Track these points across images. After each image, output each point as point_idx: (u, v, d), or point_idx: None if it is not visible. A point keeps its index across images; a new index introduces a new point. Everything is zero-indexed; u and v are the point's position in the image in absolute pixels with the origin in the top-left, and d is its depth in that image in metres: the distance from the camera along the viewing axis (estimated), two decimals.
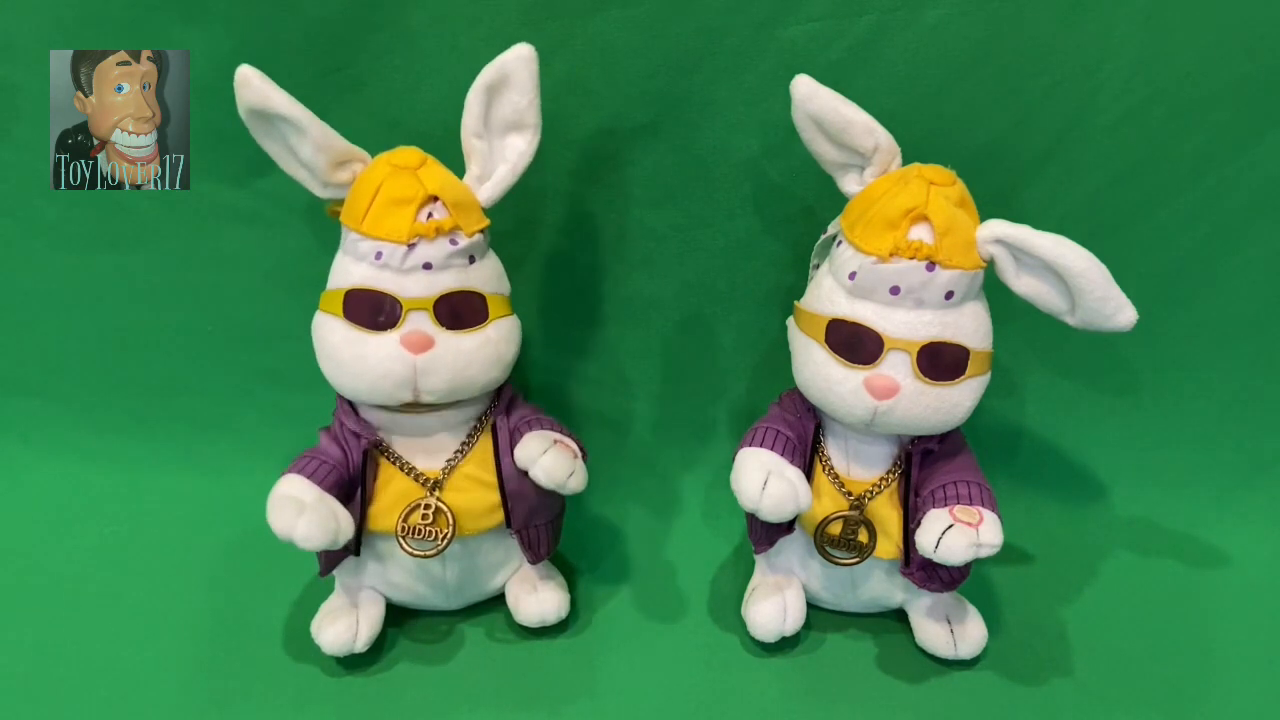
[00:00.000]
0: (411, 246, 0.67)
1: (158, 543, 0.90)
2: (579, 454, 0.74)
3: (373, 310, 0.67)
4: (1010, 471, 0.96)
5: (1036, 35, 0.79)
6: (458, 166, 0.72)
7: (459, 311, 0.69)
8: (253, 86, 0.65)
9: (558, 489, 0.71)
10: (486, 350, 0.70)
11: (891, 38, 0.79)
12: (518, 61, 0.68)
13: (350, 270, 0.69)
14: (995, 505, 0.70)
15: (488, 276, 0.71)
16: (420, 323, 0.67)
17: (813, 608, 0.81)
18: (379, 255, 0.67)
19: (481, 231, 0.71)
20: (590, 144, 0.85)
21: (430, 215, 0.68)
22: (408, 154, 0.69)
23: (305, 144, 0.67)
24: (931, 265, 0.65)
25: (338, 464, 0.72)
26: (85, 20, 0.81)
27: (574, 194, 0.87)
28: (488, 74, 0.69)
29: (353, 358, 0.68)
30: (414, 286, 0.67)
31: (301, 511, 0.66)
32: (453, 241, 0.68)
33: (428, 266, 0.67)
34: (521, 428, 0.75)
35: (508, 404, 0.76)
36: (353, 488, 0.73)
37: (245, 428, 0.99)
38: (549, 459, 0.70)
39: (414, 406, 0.71)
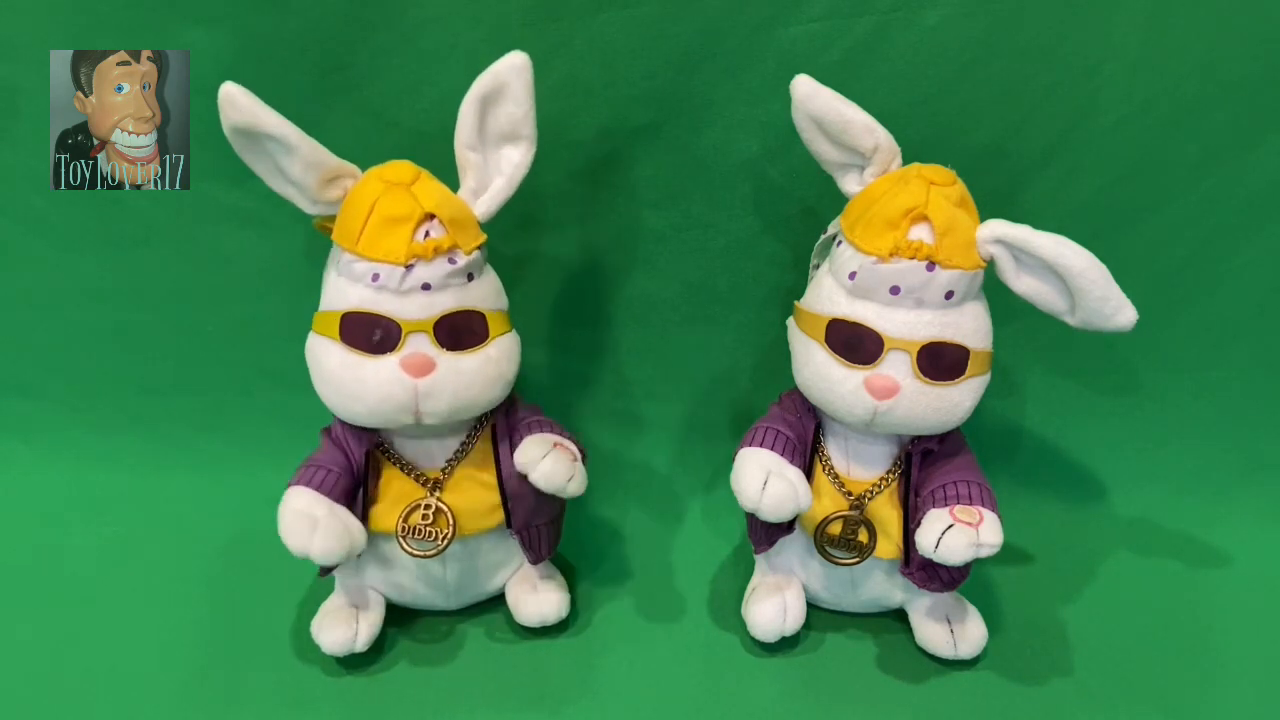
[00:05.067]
0: (409, 268, 0.65)
1: (158, 543, 0.90)
2: (578, 456, 0.74)
3: (371, 333, 0.66)
4: (1010, 471, 0.96)
5: (1037, 36, 0.79)
6: (455, 168, 0.71)
7: (459, 332, 0.67)
8: (239, 105, 0.62)
9: (557, 493, 0.71)
10: (488, 370, 0.69)
11: (892, 38, 0.79)
12: (511, 71, 0.67)
13: (346, 292, 0.67)
14: (995, 505, 0.70)
15: (486, 294, 0.70)
16: (420, 345, 0.66)
17: (813, 608, 0.81)
18: (376, 277, 0.65)
19: (479, 248, 0.69)
20: (590, 145, 0.85)
21: (427, 234, 0.66)
22: (400, 169, 0.68)
23: (295, 162, 0.65)
24: (931, 265, 0.65)
25: (343, 471, 0.72)
26: (85, 20, 0.81)
27: (574, 194, 0.87)
28: (481, 84, 0.67)
29: (351, 381, 0.66)
30: (413, 308, 0.66)
31: (315, 528, 0.66)
32: (451, 260, 0.67)
33: (426, 287, 0.66)
34: (521, 430, 0.75)
35: (507, 405, 0.76)
36: (359, 491, 0.73)
37: (245, 428, 0.99)
38: (549, 464, 0.70)
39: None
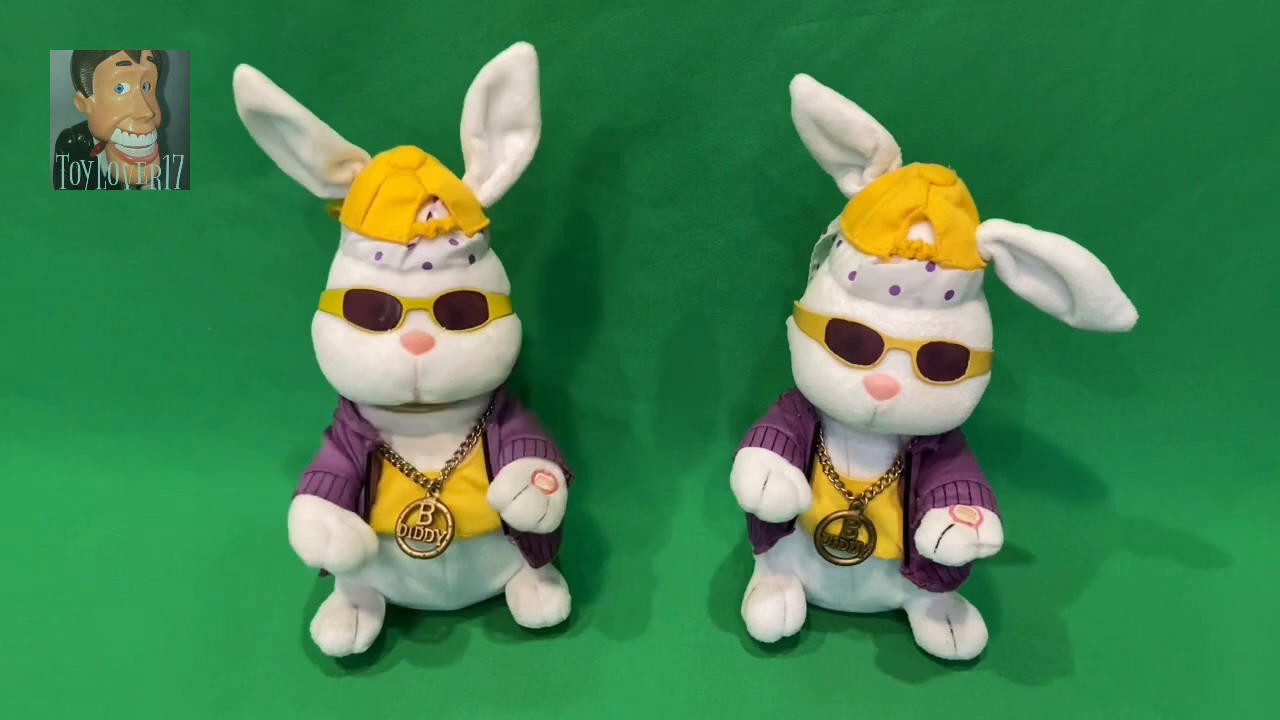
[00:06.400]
0: (411, 247, 0.67)
1: (158, 543, 0.90)
2: (559, 483, 0.73)
3: (373, 310, 0.67)
4: (1010, 471, 0.96)
5: (1037, 35, 0.79)
6: (457, 166, 0.72)
7: (459, 311, 0.69)
8: (252, 86, 0.65)
9: (530, 530, 0.70)
10: (487, 350, 0.70)
11: (891, 38, 0.79)
12: (517, 61, 0.68)
13: (350, 270, 0.69)
14: (995, 505, 0.70)
15: (488, 276, 0.71)
16: (420, 323, 0.67)
17: (813, 608, 0.81)
18: (379, 255, 0.67)
19: (481, 231, 0.71)
20: (590, 144, 0.85)
21: (430, 215, 0.67)
22: (407, 154, 0.69)
23: (304, 144, 0.67)
24: (931, 265, 0.65)
25: (350, 476, 0.72)
26: (85, 20, 0.81)
27: (574, 194, 0.87)
28: (487, 74, 0.69)
29: (353, 357, 0.68)
30: (414, 287, 0.67)
31: (329, 539, 0.67)
32: (453, 241, 0.68)
33: (428, 266, 0.67)
34: (507, 446, 0.74)
35: (500, 411, 0.76)
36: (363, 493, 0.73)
37: (245, 427, 0.99)
38: (519, 505, 0.68)
39: (414, 406, 0.71)
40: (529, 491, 0.69)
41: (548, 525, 0.70)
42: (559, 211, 0.88)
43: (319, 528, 0.67)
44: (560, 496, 0.72)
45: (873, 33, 0.79)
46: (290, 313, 0.87)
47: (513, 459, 0.73)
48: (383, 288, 0.67)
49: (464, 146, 0.72)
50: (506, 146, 0.72)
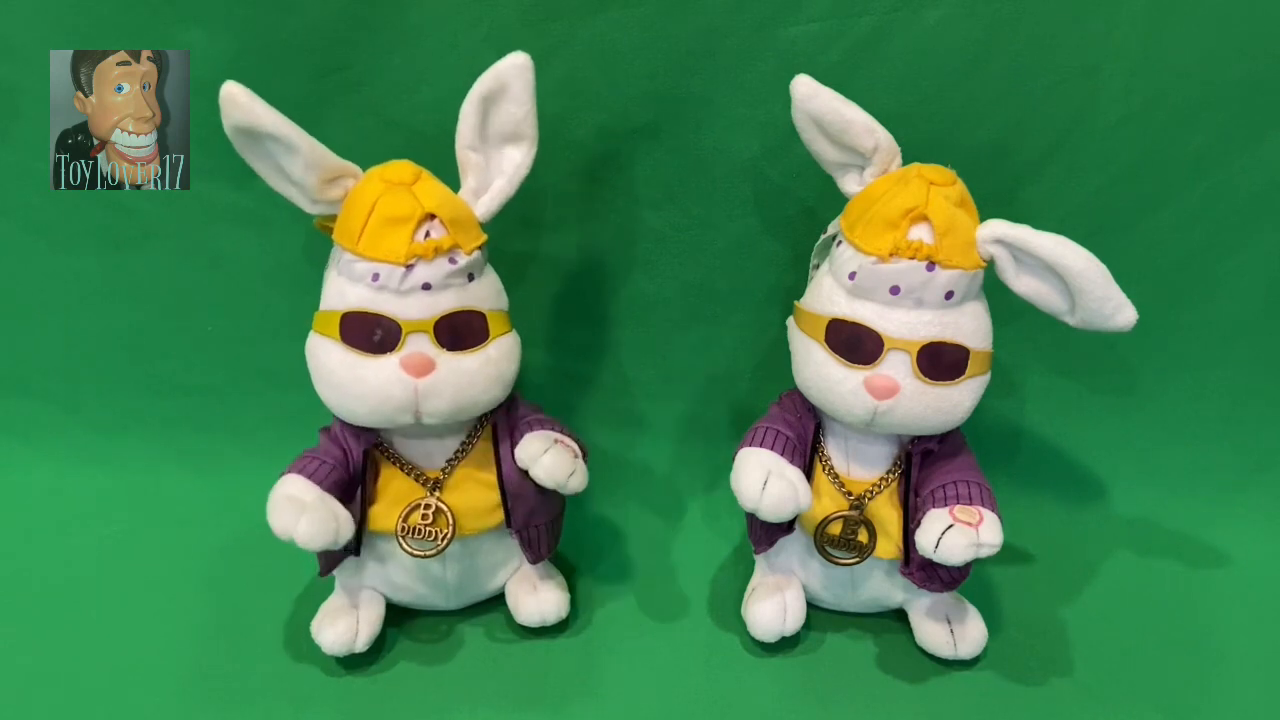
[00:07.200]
0: (410, 267, 0.65)
1: (158, 543, 0.90)
2: (579, 454, 0.74)
3: (371, 333, 0.66)
4: (1010, 471, 0.96)
5: (1037, 35, 0.79)
6: (456, 169, 0.71)
7: (459, 332, 0.67)
8: (240, 104, 0.62)
9: (558, 488, 0.71)
10: (488, 370, 0.69)
11: (892, 38, 0.79)
12: (513, 71, 0.67)
13: (346, 291, 0.67)
14: (995, 505, 0.70)
15: (487, 294, 0.70)
16: (420, 345, 0.66)
17: (813, 608, 0.81)
18: (376, 277, 0.65)
19: (480, 248, 0.69)
20: (591, 144, 0.85)
21: (428, 234, 0.66)
22: (401, 168, 0.67)
23: (296, 162, 0.65)
24: (931, 265, 0.65)
25: (338, 463, 0.72)
26: (85, 20, 0.81)
27: (574, 194, 0.87)
28: (483, 84, 0.68)
29: (351, 381, 0.66)
30: (413, 308, 0.66)
31: (302, 512, 0.66)
32: (451, 260, 0.66)
33: (427, 287, 0.66)
34: (522, 428, 0.75)
35: (508, 404, 0.76)
36: (353, 487, 0.73)
37: (245, 428, 0.99)
38: (550, 459, 0.70)
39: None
40: (557, 448, 0.71)
41: (576, 483, 0.71)
42: (559, 212, 0.88)
43: (295, 502, 0.67)
44: (582, 463, 0.73)
45: (873, 33, 0.79)
46: (290, 313, 0.87)
47: (529, 433, 0.74)
48: (381, 310, 0.66)
49: (459, 160, 0.70)
50: (503, 159, 0.71)
